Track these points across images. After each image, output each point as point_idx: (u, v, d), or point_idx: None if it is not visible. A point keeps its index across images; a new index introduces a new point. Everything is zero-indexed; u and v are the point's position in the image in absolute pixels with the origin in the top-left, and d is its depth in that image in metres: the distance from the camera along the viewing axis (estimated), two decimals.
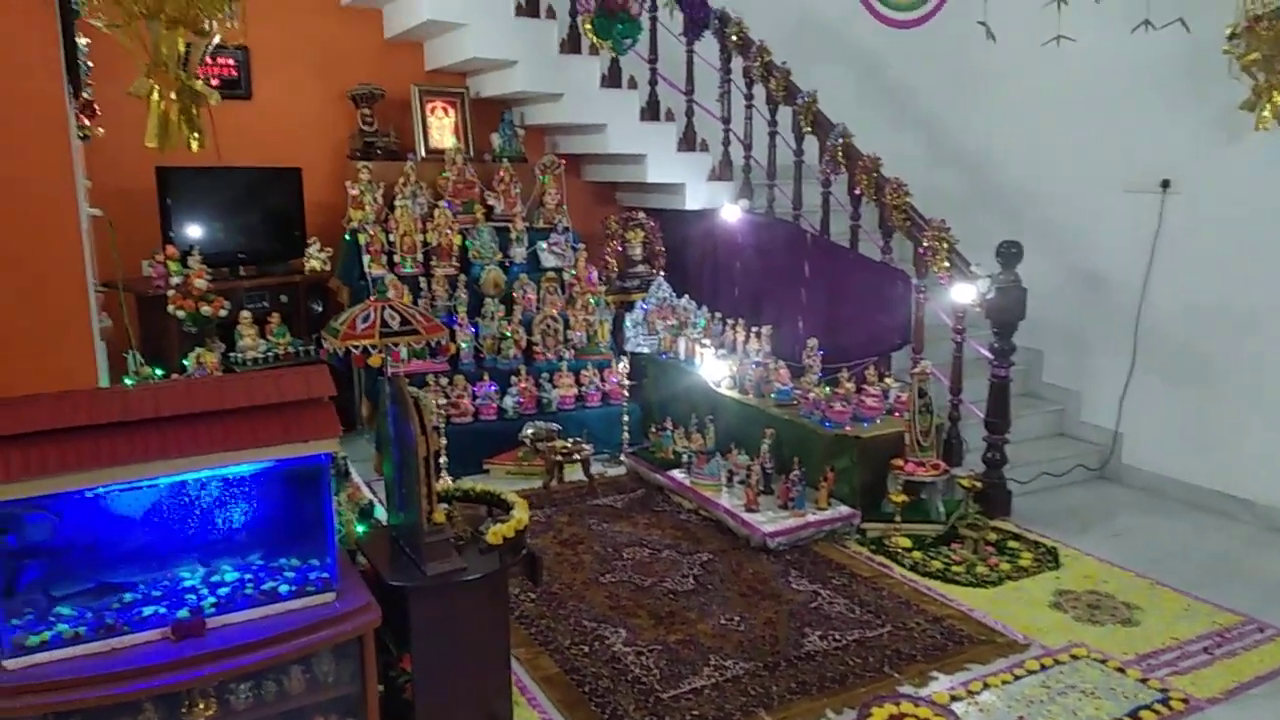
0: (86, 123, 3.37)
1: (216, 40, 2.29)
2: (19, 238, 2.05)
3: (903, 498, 3.97)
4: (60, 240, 2.06)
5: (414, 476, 2.20)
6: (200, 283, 4.19)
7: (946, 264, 4.21)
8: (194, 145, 2.07)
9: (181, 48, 2.04)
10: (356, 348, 2.09)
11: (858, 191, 4.68)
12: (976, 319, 4.30)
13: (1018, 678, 2.96)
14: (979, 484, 4.07)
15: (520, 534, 2.34)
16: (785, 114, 5.14)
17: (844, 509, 4.07)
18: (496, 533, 2.28)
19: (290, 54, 5.42)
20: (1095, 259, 4.89)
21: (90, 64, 3.38)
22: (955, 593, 3.55)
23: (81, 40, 3.11)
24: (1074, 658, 3.07)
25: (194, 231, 4.92)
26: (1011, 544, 3.95)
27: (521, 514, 2.38)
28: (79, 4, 2.59)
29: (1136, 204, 4.62)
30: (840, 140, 4.72)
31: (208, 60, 4.79)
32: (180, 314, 4.17)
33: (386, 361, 2.13)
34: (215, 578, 2.06)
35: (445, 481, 3.46)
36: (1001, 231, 4.25)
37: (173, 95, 1.99)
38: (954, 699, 2.84)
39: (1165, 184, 4.50)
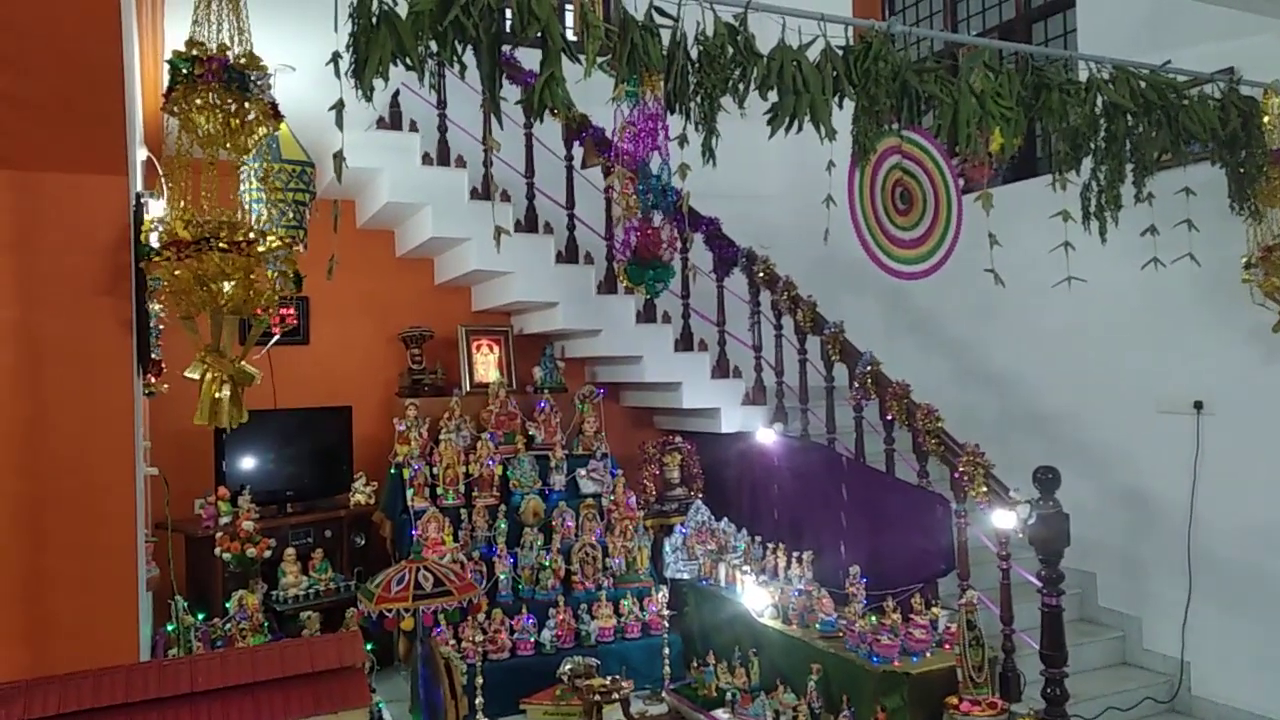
0: (153, 380, 3.61)
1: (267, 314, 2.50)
2: (74, 507, 2.17)
3: None
4: (114, 516, 2.17)
5: None
6: (247, 524, 4.31)
7: (984, 489, 4.19)
8: (236, 424, 2.22)
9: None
10: (390, 611, 2.12)
11: (890, 417, 4.75)
12: (1021, 542, 4.22)
13: None
14: None
15: None
16: (814, 342, 5.33)
17: None
18: None
19: (347, 301, 5.81)
20: (1139, 480, 4.84)
21: (161, 326, 3.67)
22: None
23: (154, 306, 3.40)
24: None
25: (246, 467, 5.10)
26: None
27: None
28: (154, 280, 2.86)
29: (1172, 425, 4.62)
30: (869, 368, 4.85)
31: (269, 311, 5.17)
32: (226, 556, 4.26)
33: (419, 625, 2.16)
34: None
35: None
36: (1038, 452, 4.26)
37: (224, 378, 2.16)
38: None
39: (1198, 405, 4.52)
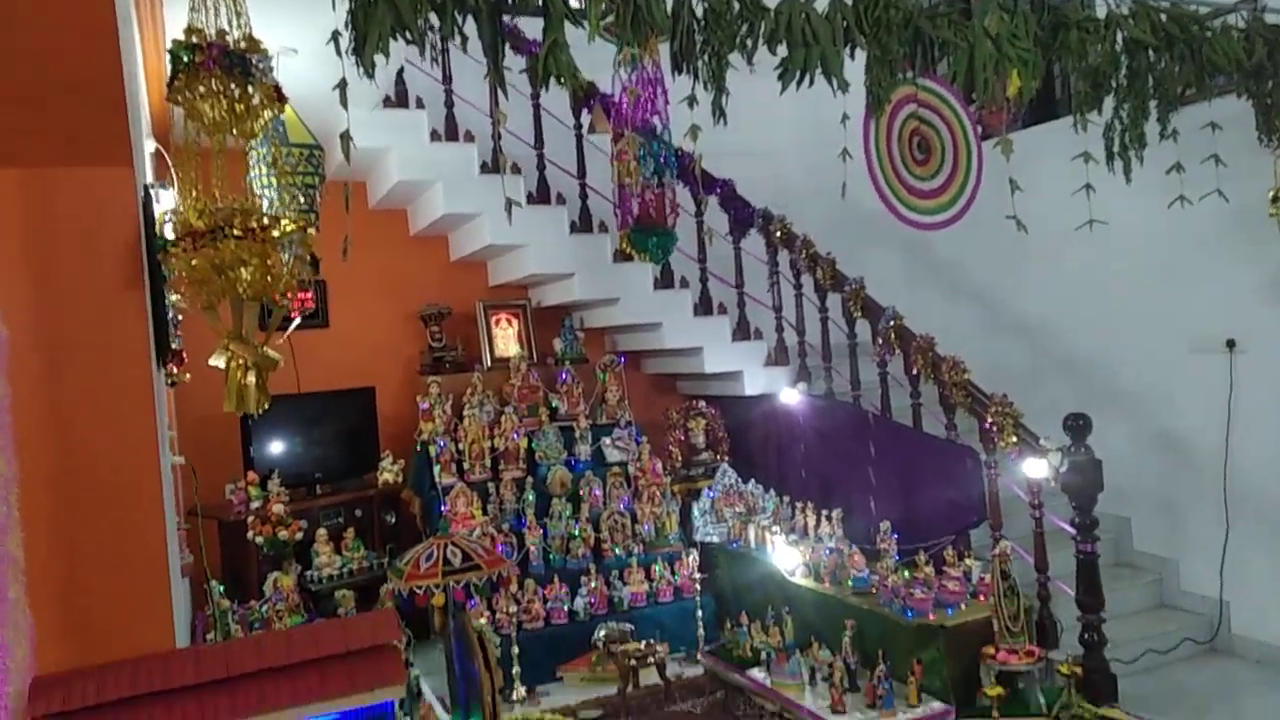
0: (175, 370, 3.63)
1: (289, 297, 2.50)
2: (102, 497, 2.19)
3: (998, 690, 3.74)
4: (142, 504, 2.19)
5: (480, 714, 2.18)
6: (278, 507, 4.35)
7: (1014, 439, 4.15)
8: (263, 408, 2.22)
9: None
10: (420, 588, 2.13)
11: (915, 371, 4.70)
12: (1053, 490, 4.18)
13: None
14: (1079, 669, 3.82)
15: None
16: (835, 299, 5.27)
17: (937, 705, 3.85)
18: None
19: (364, 283, 5.81)
20: (1172, 422, 4.77)
21: (180, 316, 3.68)
22: None
23: (172, 296, 3.40)
24: None
25: (274, 452, 5.14)
26: None
27: None
28: (170, 270, 2.86)
29: (1205, 365, 4.54)
30: (892, 323, 4.79)
31: (288, 296, 5.18)
32: (259, 540, 4.31)
33: (450, 600, 2.16)
34: None
35: (518, 709, 3.41)
36: (1068, 399, 4.20)
37: (249, 364, 2.16)
38: None
39: (1230, 344, 4.44)
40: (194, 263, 2.25)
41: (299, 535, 4.42)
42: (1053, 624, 4.13)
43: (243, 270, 2.29)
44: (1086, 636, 4.04)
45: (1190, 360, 4.63)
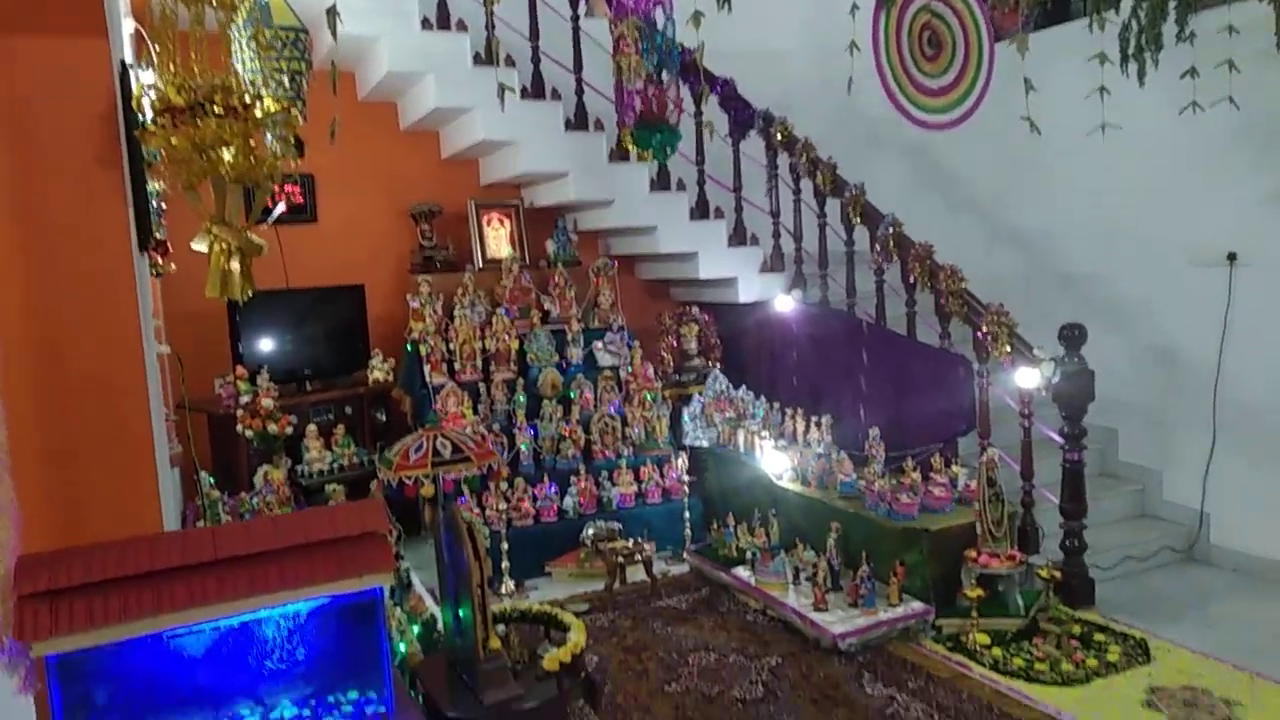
0: (160, 260, 3.55)
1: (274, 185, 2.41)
2: (86, 388, 2.15)
3: (978, 592, 3.82)
4: (127, 387, 2.15)
5: (469, 602, 2.20)
6: (267, 402, 4.33)
7: (1008, 348, 4.14)
8: (247, 295, 2.16)
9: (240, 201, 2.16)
10: (410, 478, 2.12)
11: (912, 279, 4.65)
12: (1042, 401, 4.19)
13: None
14: (1058, 573, 3.90)
15: (577, 658, 2.31)
16: (834, 206, 5.18)
17: (917, 605, 3.94)
18: (553, 659, 2.26)
19: (353, 178, 5.68)
20: (1166, 335, 4.75)
21: (163, 205, 3.58)
22: (1040, 693, 3.38)
23: (153, 185, 3.31)
24: None
25: (263, 349, 5.10)
26: (1098, 637, 3.76)
27: (578, 637, 2.35)
28: (151, 154, 2.76)
29: (1204, 278, 4.50)
30: (890, 229, 4.72)
31: (276, 192, 5.06)
32: (248, 433, 4.30)
33: (439, 491, 2.15)
34: (275, 714, 2.07)
35: (505, 600, 3.45)
36: (1065, 311, 4.17)
37: (233, 249, 2.10)
38: None
39: (1231, 257, 4.39)
40: (173, 141, 2.16)
41: (289, 430, 4.41)
42: (1034, 530, 4.20)
43: (224, 151, 2.20)
44: (1068, 543, 4.11)
45: (1189, 273, 4.59)
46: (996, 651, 3.68)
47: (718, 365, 5.67)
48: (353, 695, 2.12)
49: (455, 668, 2.37)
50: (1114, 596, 4.13)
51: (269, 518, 2.04)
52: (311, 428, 4.88)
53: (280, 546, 1.93)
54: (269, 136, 2.41)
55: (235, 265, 2.16)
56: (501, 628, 2.32)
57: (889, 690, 3.47)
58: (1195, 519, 4.59)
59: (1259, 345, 4.32)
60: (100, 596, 1.75)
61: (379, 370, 5.33)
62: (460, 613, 2.30)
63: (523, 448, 5.11)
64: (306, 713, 2.07)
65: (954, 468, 4.34)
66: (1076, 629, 3.77)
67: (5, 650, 1.66)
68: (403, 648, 2.69)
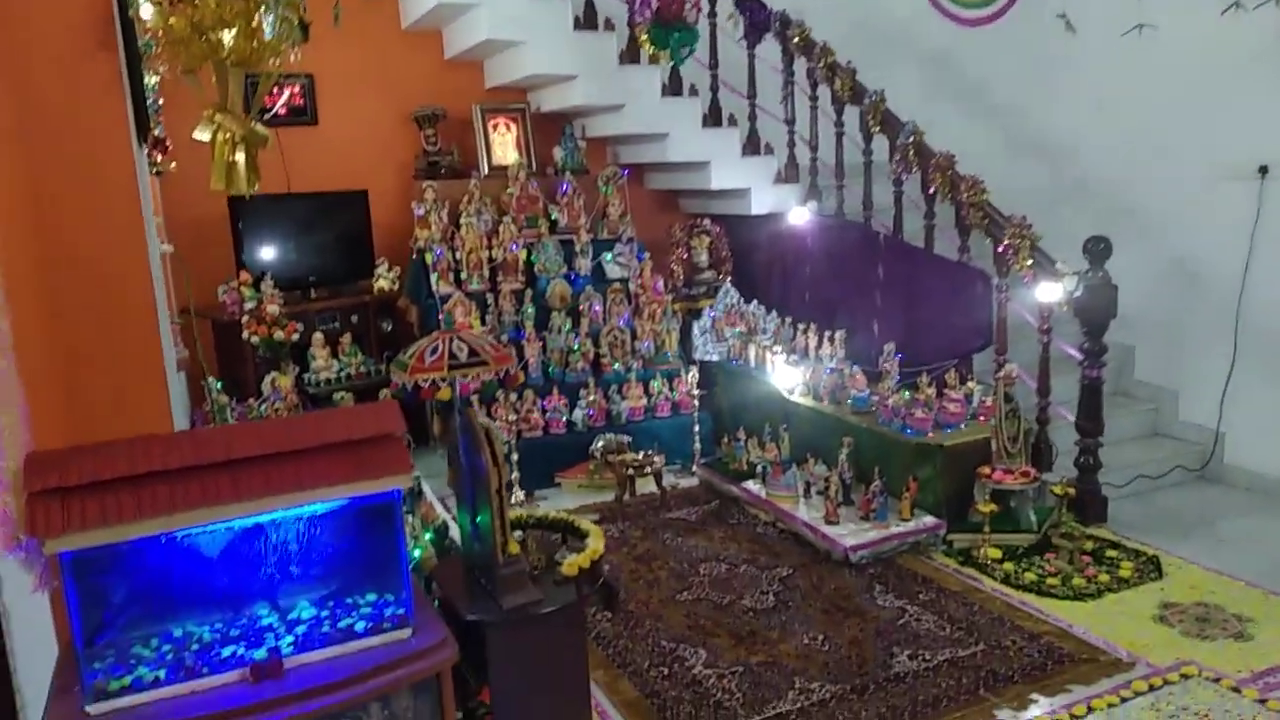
0: (159, 158, 3.43)
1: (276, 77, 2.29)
2: (91, 282, 2.07)
3: (991, 507, 3.80)
4: (131, 282, 2.07)
5: (487, 507, 2.15)
6: (273, 308, 4.25)
7: (1029, 262, 4.04)
8: (253, 188, 2.06)
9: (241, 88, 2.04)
10: (425, 381, 2.05)
11: (932, 190, 4.52)
12: (1062, 317, 4.12)
13: (1124, 700, 2.79)
14: (1072, 490, 3.88)
15: (596, 564, 2.28)
16: (852, 114, 5.01)
17: (929, 520, 3.93)
18: (572, 564, 2.22)
19: (354, 79, 5.48)
20: (1190, 250, 4.64)
21: (160, 101, 3.44)
22: (1051, 607, 3.38)
23: (150, 78, 3.16)
24: (1184, 677, 2.89)
25: (266, 256, 4.99)
26: (1110, 553, 3.76)
27: (596, 543, 2.32)
28: (146, 45, 2.62)
29: (1233, 192, 4.37)
30: (911, 138, 4.57)
31: (275, 89, 4.88)
32: (255, 340, 4.23)
33: (455, 395, 2.09)
34: (292, 615, 2.04)
35: (518, 509, 3.42)
36: (1087, 226, 4.05)
37: (237, 139, 1.98)
38: None
39: (1263, 170, 4.25)
40: (171, 21, 2.03)
41: (295, 337, 4.34)
42: (1048, 447, 4.16)
43: (225, 33, 2.07)
44: (1082, 460, 4.08)
45: (1218, 186, 4.45)
46: (1008, 566, 3.68)
47: (729, 279, 5.57)
48: (370, 598, 2.09)
49: (473, 572, 2.34)
50: (1126, 514, 4.12)
51: (284, 419, 1.98)
52: (318, 336, 4.81)
53: (295, 447, 1.87)
54: (270, 19, 2.27)
55: (240, 156, 2.06)
56: (519, 534, 2.28)
57: (900, 602, 3.47)
58: (1210, 438, 4.55)
59: None
60: (112, 494, 1.70)
61: (384, 279, 5.24)
62: (478, 519, 2.26)
63: (531, 359, 5.05)
64: (324, 614, 2.04)
65: (969, 384, 4.28)
66: (1088, 545, 3.77)
67: (22, 547, 1.61)
68: (416, 553, 2.67)
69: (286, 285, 4.83)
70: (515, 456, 4.51)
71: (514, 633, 2.19)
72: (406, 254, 5.28)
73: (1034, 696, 2.84)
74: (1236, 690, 2.80)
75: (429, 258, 5.10)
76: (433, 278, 5.09)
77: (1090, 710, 2.75)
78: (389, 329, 5.30)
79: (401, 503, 1.99)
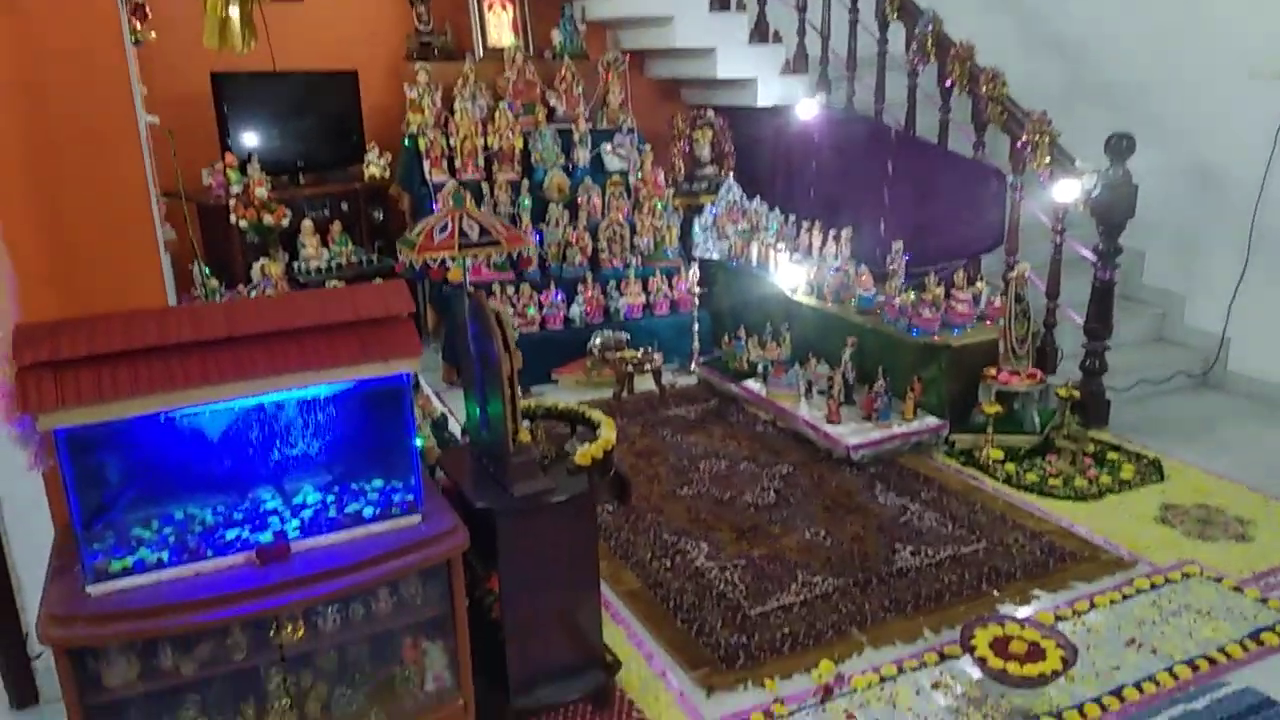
0: (138, 26, 3.21)
1: None
2: (80, 147, 1.92)
3: (996, 408, 3.77)
4: (121, 148, 1.93)
5: (497, 394, 2.07)
6: (261, 191, 4.09)
7: (1048, 159, 3.91)
8: (249, 46, 1.91)
9: None
10: (434, 260, 1.94)
11: (949, 83, 4.34)
12: (1075, 218, 4.01)
13: (1126, 597, 2.81)
14: (1076, 393, 3.85)
15: (608, 454, 2.22)
16: (866, 1, 4.77)
17: (931, 420, 3.90)
18: (585, 454, 2.16)
19: None
20: (1208, 153, 4.50)
21: None
22: (1053, 507, 3.39)
23: None
24: (1186, 576, 2.90)
25: (251, 139, 4.78)
26: (1111, 455, 3.75)
27: (608, 433, 2.26)
28: None
29: (1261, 92, 4.20)
30: (930, 27, 4.37)
31: None
32: (243, 224, 4.08)
33: (466, 276, 1.98)
34: (297, 499, 1.98)
35: (526, 400, 3.35)
36: (1105, 125, 3.89)
37: None
38: (1059, 619, 2.70)
39: None
40: None
41: (284, 222, 4.19)
42: (1054, 350, 4.11)
43: None
44: (1088, 363, 4.04)
45: (1243, 87, 4.29)
46: (1010, 467, 3.67)
47: (731, 174, 5.41)
48: (378, 484, 2.03)
49: (481, 461, 2.28)
50: (1128, 418, 4.10)
51: (286, 296, 1.88)
52: (307, 223, 4.65)
53: (300, 326, 1.78)
54: None
55: (234, 11, 1.89)
56: (528, 423, 2.21)
57: (901, 500, 3.46)
58: (1215, 344, 4.51)
59: None
60: (108, 369, 1.60)
61: (375, 166, 5.05)
62: (488, 408, 2.18)
63: (528, 253, 4.91)
64: (330, 499, 1.98)
65: (979, 284, 4.20)
66: (1091, 447, 3.75)
67: (18, 423, 1.52)
68: (418, 443, 2.61)
69: (273, 170, 4.64)
70: None
71: (525, 521, 2.14)
72: (398, 140, 5.07)
73: (1036, 592, 2.85)
74: (1238, 590, 2.82)
75: (422, 144, 4.91)
76: (425, 165, 4.91)
77: (1093, 606, 2.76)
78: (380, 218, 5.14)
79: (410, 387, 1.90)
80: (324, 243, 4.75)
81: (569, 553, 2.25)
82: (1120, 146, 3.75)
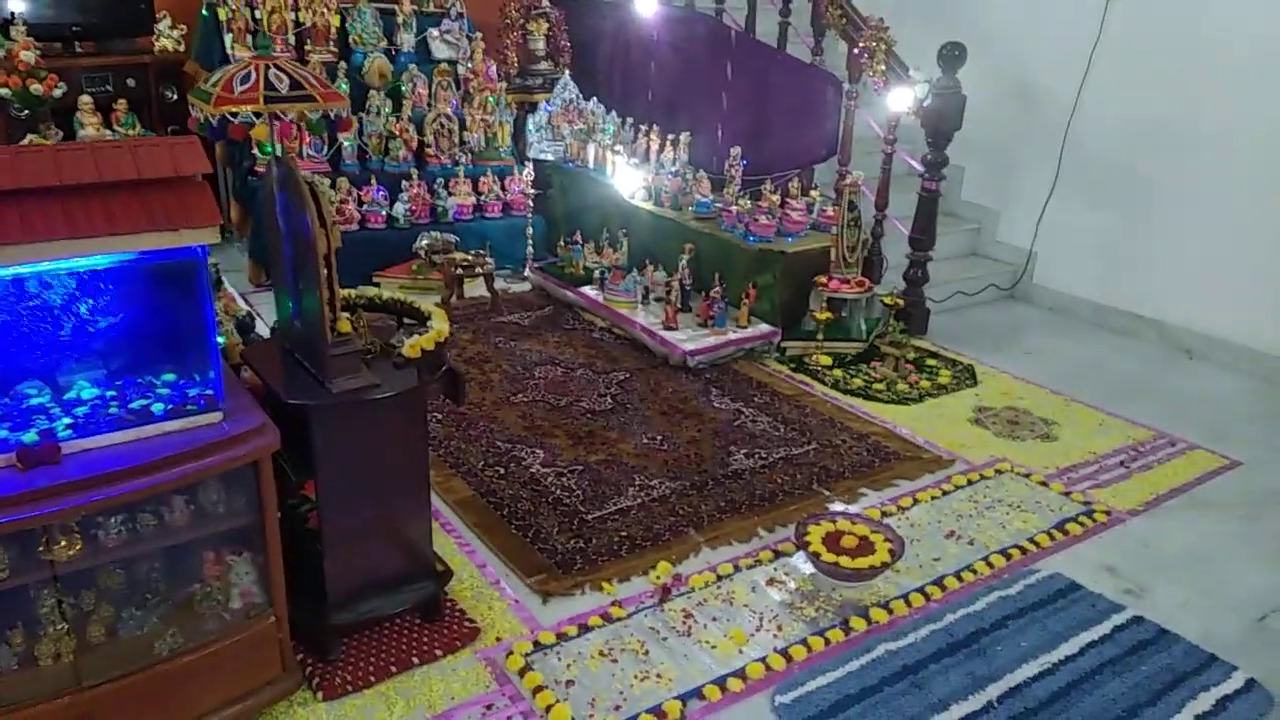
0: None
1: None
2: None
3: (828, 315, 3.82)
4: None
5: (311, 278, 1.84)
6: (28, 55, 3.52)
7: (883, 67, 3.92)
8: None
9: None
10: (234, 115, 1.67)
11: None
12: (903, 131, 4.07)
13: (946, 493, 2.93)
14: (900, 301, 3.96)
15: (440, 347, 2.04)
16: None
17: (765, 327, 3.91)
18: (415, 345, 1.97)
19: None
20: (1028, 70, 4.64)
21: None
22: (878, 410, 3.48)
23: None
24: (998, 472, 3.06)
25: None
26: (930, 362, 3.90)
27: (441, 325, 2.07)
28: None
29: (1079, 8, 4.35)
30: None
31: None
32: (5, 92, 3.51)
33: (273, 136, 1.72)
34: (70, 396, 1.70)
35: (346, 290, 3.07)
36: (935, 37, 3.92)
37: None
38: (885, 515, 2.78)
39: None
40: None
41: (56, 93, 3.63)
42: (880, 259, 4.20)
43: None
44: (911, 273, 4.15)
45: (1063, 3, 4.42)
46: (837, 373, 3.75)
47: (568, 71, 5.16)
48: (169, 377, 1.77)
49: (292, 355, 2.05)
50: (944, 327, 4.27)
51: (45, 147, 1.56)
52: (85, 99, 4.06)
53: (66, 183, 1.48)
54: None
55: None
56: (348, 315, 1.99)
57: (736, 405, 3.47)
58: (1023, 259, 4.75)
59: (1121, 86, 4.27)
60: None
61: (167, 38, 4.48)
62: (302, 298, 1.94)
63: (346, 144, 4.53)
64: (111, 394, 1.71)
65: (813, 193, 4.21)
66: (912, 354, 3.88)
67: None
68: (220, 340, 2.32)
69: (43, 35, 4.02)
70: None
71: (345, 419, 1.94)
72: (195, 9, 4.50)
73: (863, 490, 2.93)
74: (1045, 484, 2.99)
75: (222, 15, 4.38)
76: (226, 40, 4.39)
77: (916, 502, 2.86)
78: (174, 97, 4.58)
79: (207, 263, 1.65)
80: (107, 123, 4.18)
81: (395, 455, 2.07)
82: (952, 55, 3.80)
